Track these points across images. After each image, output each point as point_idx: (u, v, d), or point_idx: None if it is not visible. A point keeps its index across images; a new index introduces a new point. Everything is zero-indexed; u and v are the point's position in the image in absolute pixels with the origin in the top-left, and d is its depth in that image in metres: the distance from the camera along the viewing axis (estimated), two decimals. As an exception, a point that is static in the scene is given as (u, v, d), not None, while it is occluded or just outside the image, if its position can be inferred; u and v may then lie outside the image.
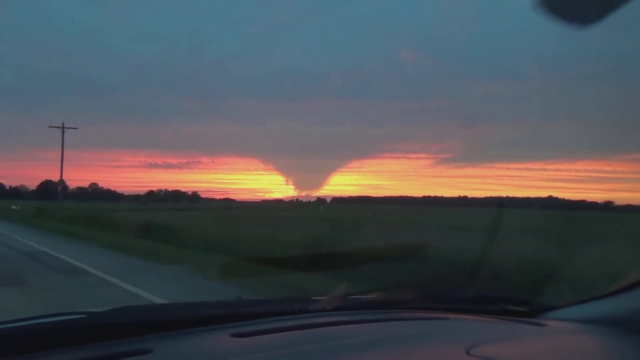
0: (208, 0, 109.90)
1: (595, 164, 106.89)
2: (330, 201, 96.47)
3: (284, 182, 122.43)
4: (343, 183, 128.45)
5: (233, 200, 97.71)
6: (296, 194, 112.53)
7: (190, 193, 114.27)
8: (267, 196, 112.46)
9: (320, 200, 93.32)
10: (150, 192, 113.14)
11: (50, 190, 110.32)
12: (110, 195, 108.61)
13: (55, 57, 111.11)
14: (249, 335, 1.31)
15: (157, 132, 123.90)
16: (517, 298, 1.83)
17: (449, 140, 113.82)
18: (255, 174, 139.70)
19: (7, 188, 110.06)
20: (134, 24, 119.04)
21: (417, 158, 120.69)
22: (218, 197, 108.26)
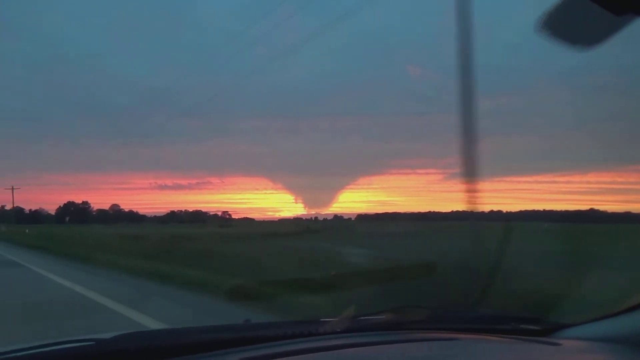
0: (213, 22, 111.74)
1: (607, 175, 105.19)
2: (356, 218, 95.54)
3: (293, 200, 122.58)
4: (352, 200, 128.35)
5: (253, 220, 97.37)
6: (305, 212, 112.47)
7: (219, 213, 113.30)
8: (277, 215, 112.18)
9: (338, 218, 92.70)
10: (172, 213, 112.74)
11: (72, 213, 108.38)
12: (132, 217, 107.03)
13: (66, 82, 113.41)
14: None
15: (165, 154, 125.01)
16: (529, 317, 1.80)
17: (457, 155, 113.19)
18: (264, 193, 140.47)
19: (27, 212, 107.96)
20: (141, 47, 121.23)
21: (427, 173, 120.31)
22: (235, 216, 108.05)
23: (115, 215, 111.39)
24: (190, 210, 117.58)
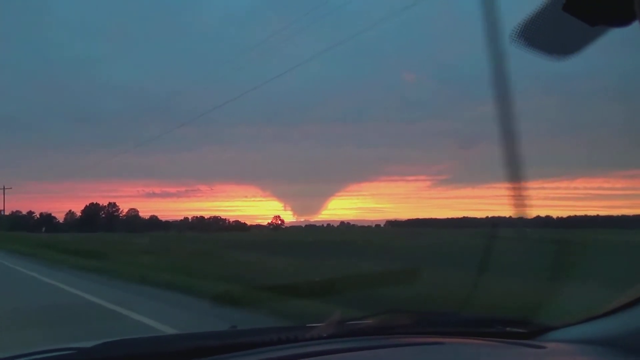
0: (205, 29, 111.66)
1: (594, 181, 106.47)
2: (385, 225, 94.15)
3: (282, 207, 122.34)
4: (342, 207, 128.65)
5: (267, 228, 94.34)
6: (294, 219, 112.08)
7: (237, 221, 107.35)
8: (277, 221, 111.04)
9: (345, 224, 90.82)
10: (186, 220, 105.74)
11: (95, 218, 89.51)
12: (155, 225, 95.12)
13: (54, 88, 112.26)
14: None
15: (153, 161, 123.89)
16: (515, 319, 1.80)
17: (448, 162, 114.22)
18: (254, 201, 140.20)
19: (36, 217, 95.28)
20: (130, 53, 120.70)
21: (416, 180, 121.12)
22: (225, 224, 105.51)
23: (135, 222, 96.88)
24: (206, 217, 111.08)
